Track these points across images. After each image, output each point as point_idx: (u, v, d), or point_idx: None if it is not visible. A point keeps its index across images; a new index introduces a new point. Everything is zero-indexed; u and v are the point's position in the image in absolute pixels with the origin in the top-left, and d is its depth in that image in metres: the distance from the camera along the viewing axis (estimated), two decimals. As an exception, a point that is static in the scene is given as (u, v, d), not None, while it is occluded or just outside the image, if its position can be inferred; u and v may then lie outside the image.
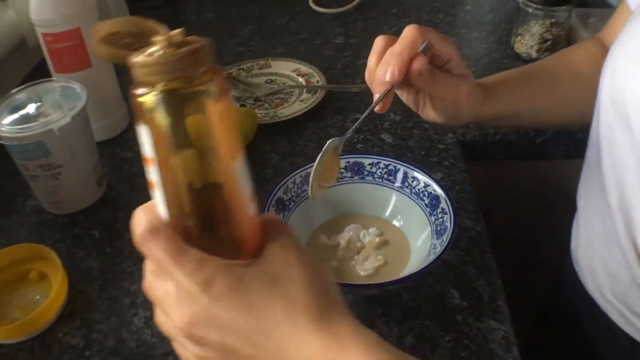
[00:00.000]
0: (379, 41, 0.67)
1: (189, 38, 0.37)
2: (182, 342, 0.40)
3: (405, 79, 0.64)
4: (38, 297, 0.72)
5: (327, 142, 0.66)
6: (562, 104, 0.79)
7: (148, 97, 0.37)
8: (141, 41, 0.39)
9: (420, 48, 0.64)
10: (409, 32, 0.64)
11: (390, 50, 0.65)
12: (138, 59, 0.37)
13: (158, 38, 0.37)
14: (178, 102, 0.37)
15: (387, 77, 0.64)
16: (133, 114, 0.38)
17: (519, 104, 0.78)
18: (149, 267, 0.41)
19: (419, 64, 0.63)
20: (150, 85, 0.37)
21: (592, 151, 0.70)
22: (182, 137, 0.38)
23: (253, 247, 0.41)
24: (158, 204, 0.40)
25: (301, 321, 0.38)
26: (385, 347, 0.39)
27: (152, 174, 0.39)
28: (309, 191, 0.66)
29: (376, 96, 0.65)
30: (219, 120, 0.39)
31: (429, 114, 0.73)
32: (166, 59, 0.36)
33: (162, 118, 0.37)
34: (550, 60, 0.83)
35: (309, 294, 0.39)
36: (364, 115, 0.66)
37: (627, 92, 0.60)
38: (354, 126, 0.68)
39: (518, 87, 0.78)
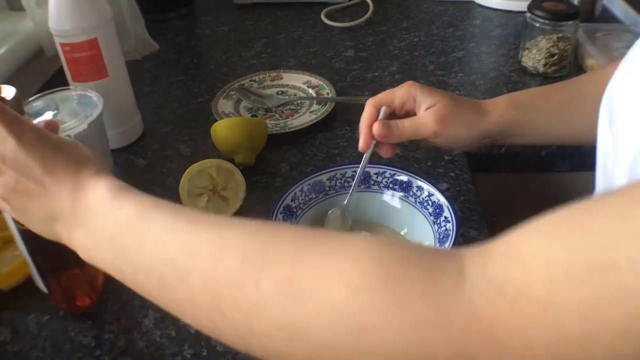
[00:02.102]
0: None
1: None
2: None
3: None
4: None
5: (329, 213, 0.78)
6: (588, 120, 0.80)
7: None
8: None
9: (381, 115, 0.76)
10: (365, 107, 0.78)
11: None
12: None
13: None
14: None
15: (359, 148, 0.77)
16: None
17: (540, 114, 0.79)
18: None
19: (375, 130, 0.75)
20: None
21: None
22: None
23: None
24: None
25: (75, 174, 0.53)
26: (126, 197, 0.52)
27: None
28: None
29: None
30: None
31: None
32: None
33: None
34: (583, 76, 0.84)
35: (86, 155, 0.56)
36: (356, 179, 0.77)
37: (618, 106, 0.60)
38: (350, 191, 0.78)
39: (541, 97, 0.81)
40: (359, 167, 0.78)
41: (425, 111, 0.76)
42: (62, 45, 0.92)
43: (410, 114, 0.78)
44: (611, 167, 0.62)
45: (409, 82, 0.78)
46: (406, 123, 0.76)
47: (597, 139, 0.70)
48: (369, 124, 0.76)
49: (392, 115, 0.78)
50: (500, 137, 0.80)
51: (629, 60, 0.62)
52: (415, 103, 0.77)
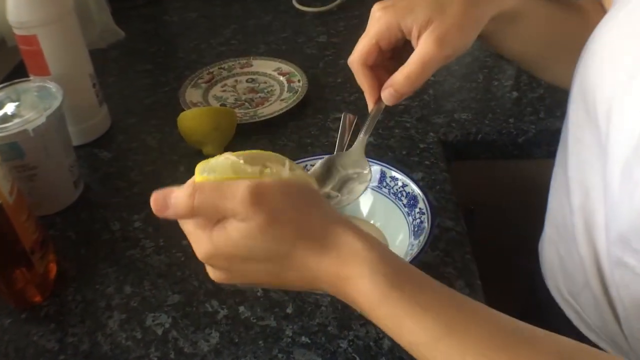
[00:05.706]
0: None
1: None
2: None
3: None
4: None
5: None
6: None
7: None
8: None
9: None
10: (355, 70, 0.64)
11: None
12: None
13: None
14: None
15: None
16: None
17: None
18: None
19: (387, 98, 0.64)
20: None
21: (562, 149, 0.69)
22: None
23: None
24: None
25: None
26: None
27: None
28: None
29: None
30: None
31: None
32: None
33: None
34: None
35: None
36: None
37: (597, 92, 0.58)
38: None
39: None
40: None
41: (420, 39, 0.58)
42: (17, 37, 0.88)
43: (400, 46, 0.62)
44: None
45: (378, 12, 0.61)
46: (409, 70, 0.59)
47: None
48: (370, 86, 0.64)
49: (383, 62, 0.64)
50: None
51: None
52: (403, 32, 0.60)
